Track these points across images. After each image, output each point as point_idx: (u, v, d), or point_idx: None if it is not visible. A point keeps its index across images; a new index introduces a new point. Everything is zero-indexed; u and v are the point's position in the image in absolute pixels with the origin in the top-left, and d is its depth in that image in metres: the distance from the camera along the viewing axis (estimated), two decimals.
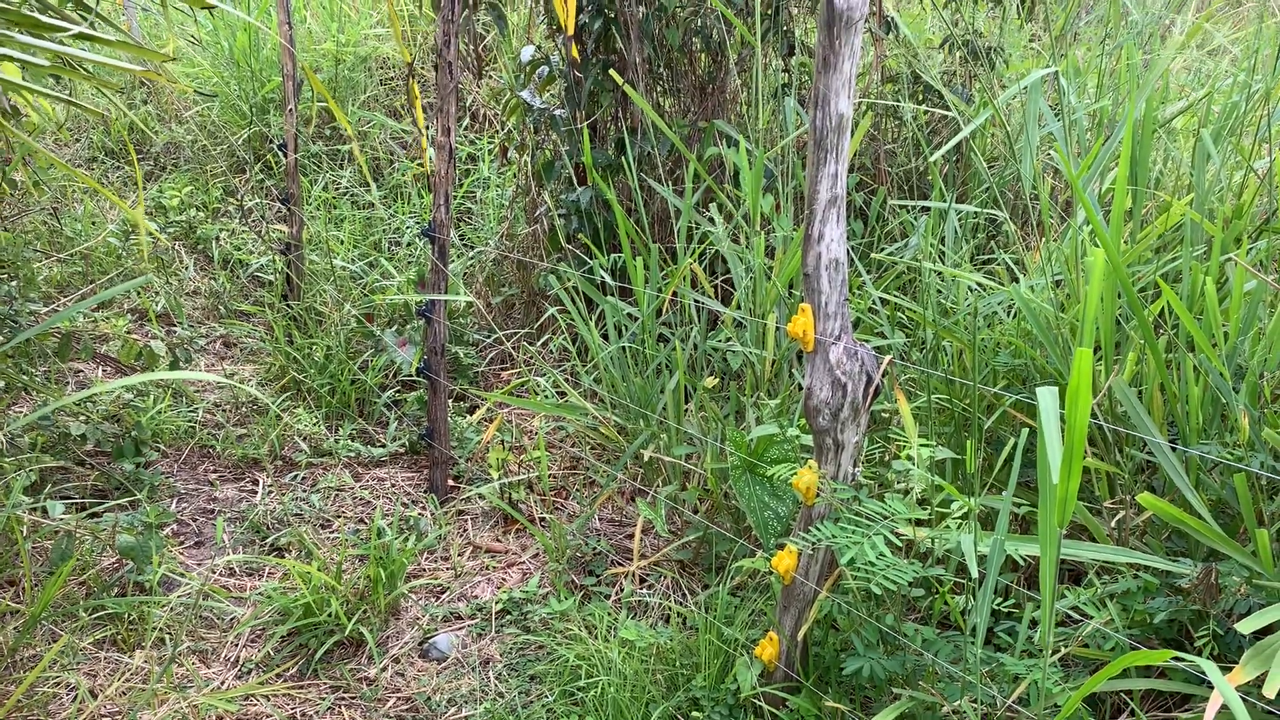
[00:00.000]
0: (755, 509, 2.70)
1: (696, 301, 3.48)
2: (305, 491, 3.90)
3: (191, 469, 4.10)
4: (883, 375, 2.10)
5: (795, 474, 2.25)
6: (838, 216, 2.09)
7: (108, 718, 2.67)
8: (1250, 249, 2.74)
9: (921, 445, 1.98)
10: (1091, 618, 2.02)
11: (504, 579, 3.36)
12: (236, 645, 3.07)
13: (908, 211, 3.73)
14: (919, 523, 2.01)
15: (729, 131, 3.94)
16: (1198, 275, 2.33)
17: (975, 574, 1.57)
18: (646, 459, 3.30)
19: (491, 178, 5.64)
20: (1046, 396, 1.45)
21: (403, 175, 5.96)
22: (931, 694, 2.03)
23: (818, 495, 2.20)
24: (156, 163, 6.82)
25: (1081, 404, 1.24)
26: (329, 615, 3.02)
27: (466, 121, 6.45)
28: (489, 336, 4.73)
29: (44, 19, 2.12)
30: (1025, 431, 1.77)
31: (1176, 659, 1.35)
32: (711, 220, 3.57)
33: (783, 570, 2.31)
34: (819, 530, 2.10)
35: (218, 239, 5.86)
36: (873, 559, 1.81)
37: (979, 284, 2.81)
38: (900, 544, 1.97)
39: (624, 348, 3.50)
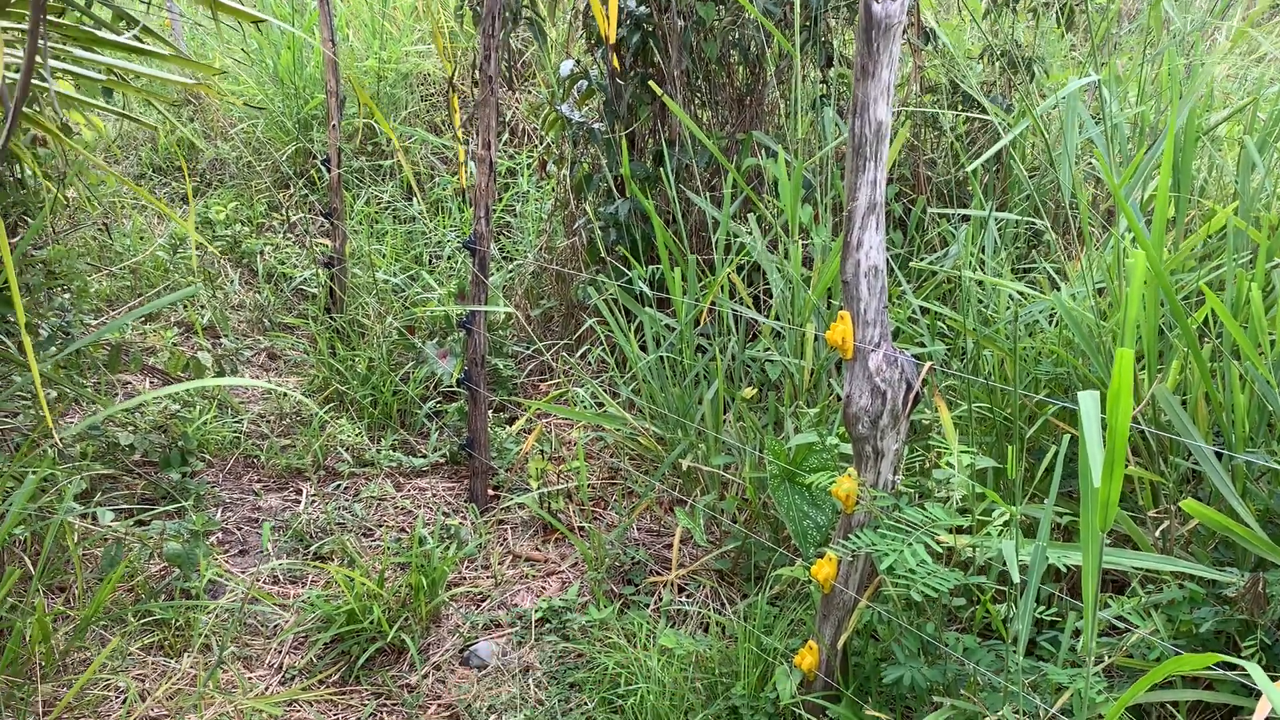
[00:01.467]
0: (794, 518, 2.70)
1: (734, 311, 3.49)
2: (348, 501, 3.95)
3: (236, 479, 4.17)
4: (922, 382, 2.10)
5: (834, 482, 2.25)
6: (877, 223, 2.09)
7: None
8: None
9: (962, 452, 1.97)
10: (1137, 627, 2.00)
11: (544, 587, 3.38)
12: (280, 651, 3.11)
13: (948, 221, 3.72)
14: (959, 530, 2.00)
15: (767, 143, 3.95)
16: (1243, 282, 2.30)
17: (1016, 581, 1.56)
18: (685, 469, 3.31)
19: (530, 191, 5.69)
20: (1088, 400, 1.45)
21: (443, 190, 6.03)
22: (974, 702, 2.02)
23: (857, 503, 2.20)
24: (203, 179, 6.96)
25: (1123, 406, 1.23)
26: (371, 622, 3.05)
27: (506, 136, 6.51)
28: (528, 348, 4.76)
29: (99, 34, 2.18)
30: (1067, 439, 1.76)
31: (1223, 665, 1.33)
32: (749, 231, 3.58)
33: (822, 578, 2.31)
34: (858, 538, 2.09)
35: (262, 253, 5.96)
36: (913, 565, 1.80)
37: (1020, 293, 2.80)
38: (941, 551, 1.96)
39: (662, 358, 3.51)
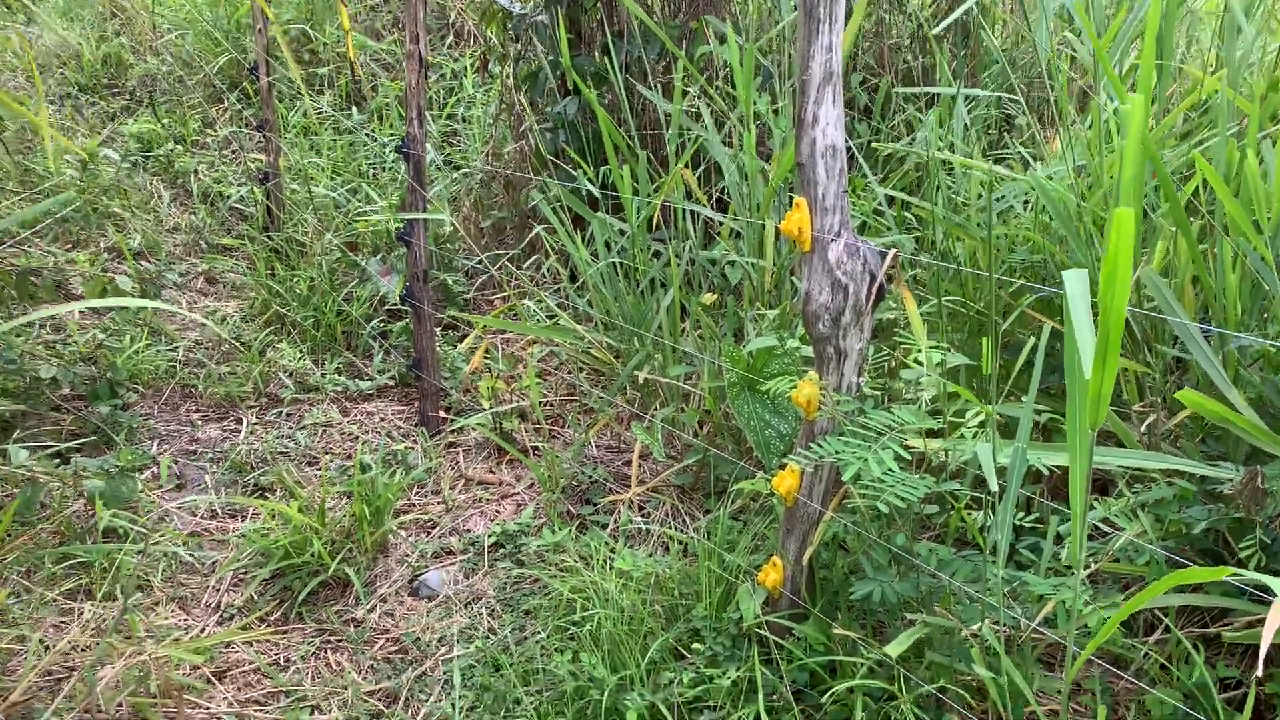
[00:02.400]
0: (755, 428, 2.52)
1: (689, 211, 3.26)
2: (291, 429, 3.74)
3: (173, 410, 3.94)
4: (888, 274, 1.90)
5: (794, 387, 2.06)
6: (834, 96, 1.87)
7: (65, 672, 2.53)
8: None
9: (932, 348, 1.78)
10: (1123, 530, 1.84)
11: (497, 511, 3.21)
12: (218, 590, 2.93)
13: (914, 104, 3.49)
14: (931, 434, 1.82)
15: (719, 26, 3.67)
16: (1233, 153, 2.10)
17: (995, 487, 1.39)
18: (642, 381, 3.11)
19: (477, 96, 5.38)
20: (1074, 280, 1.25)
21: (385, 97, 5.70)
22: (949, 617, 1.86)
23: (819, 409, 2.01)
24: (133, 97, 6.57)
25: (1121, 278, 1.03)
26: (312, 555, 2.87)
27: (450, 39, 6.17)
28: (478, 261, 4.52)
29: None
30: (1047, 329, 1.57)
31: (1234, 576, 1.16)
32: (704, 126, 3.34)
33: (784, 491, 2.13)
34: (821, 446, 1.91)
35: (196, 172, 5.63)
36: (880, 474, 1.62)
37: (992, 173, 2.58)
38: (910, 458, 1.78)
39: (615, 265, 3.29)
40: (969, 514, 1.90)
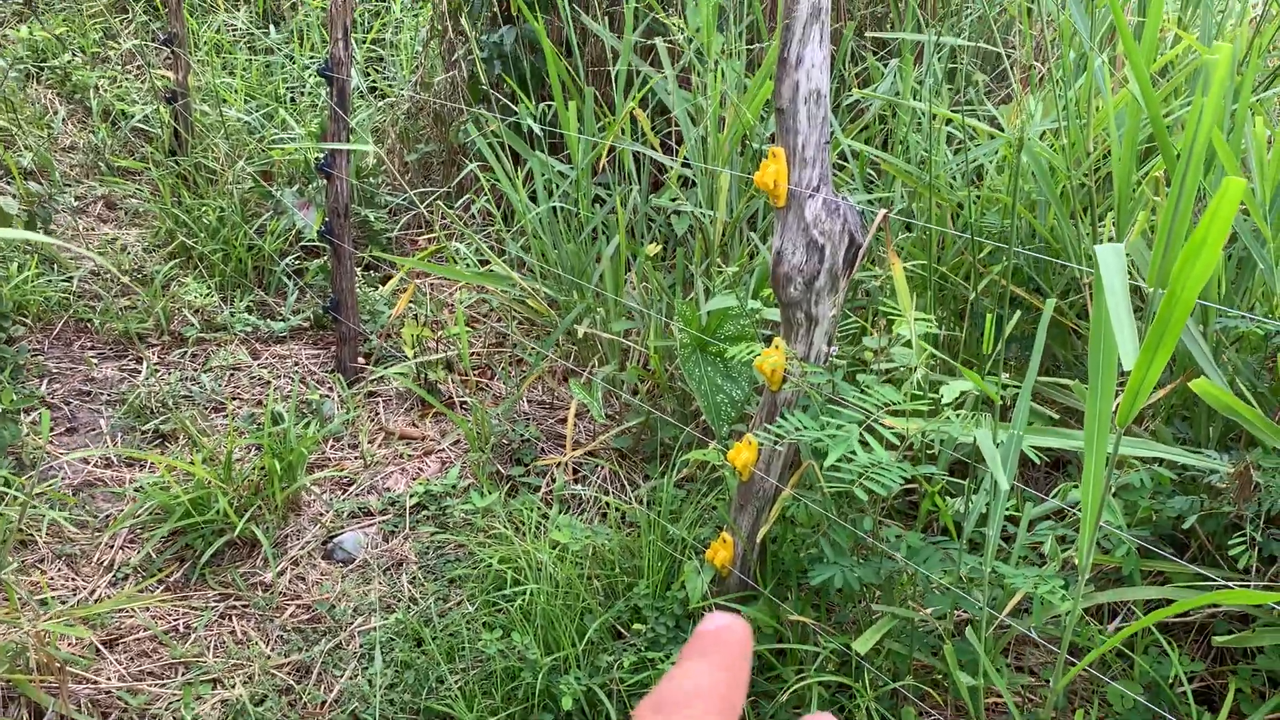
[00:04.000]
0: (706, 392, 2.35)
1: (637, 155, 3.05)
2: (195, 371, 3.47)
3: (66, 346, 3.62)
4: (871, 233, 1.73)
5: (757, 354, 1.89)
6: (820, 35, 1.68)
7: None
8: (1255, 100, 2.39)
9: (919, 320, 1.62)
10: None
11: (420, 469, 3.00)
12: (112, 547, 2.68)
13: (874, 56, 3.31)
14: (911, 413, 1.67)
15: None
16: (1243, 115, 1.97)
17: (1006, 486, 1.24)
18: (581, 335, 2.92)
19: (405, 20, 5.05)
20: (1109, 256, 1.09)
21: (306, 16, 5.33)
22: (917, 609, 1.73)
23: (785, 379, 1.85)
24: (27, 2, 6.04)
25: (1207, 255, 0.87)
26: (217, 512, 2.63)
27: None
28: (403, 198, 4.24)
29: None
30: (1051, 304, 1.42)
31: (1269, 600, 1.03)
32: (656, 62, 3.12)
33: (740, 465, 1.98)
34: (788, 421, 1.75)
35: (97, 88, 5.20)
36: (866, 461, 1.46)
37: (977, 130, 2.43)
38: (889, 439, 1.63)
39: (555, 209, 3.07)
40: (942, 500, 1.76)
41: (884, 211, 1.61)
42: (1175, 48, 2.62)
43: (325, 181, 3.27)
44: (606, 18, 3.74)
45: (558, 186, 3.12)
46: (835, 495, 1.95)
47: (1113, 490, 1.93)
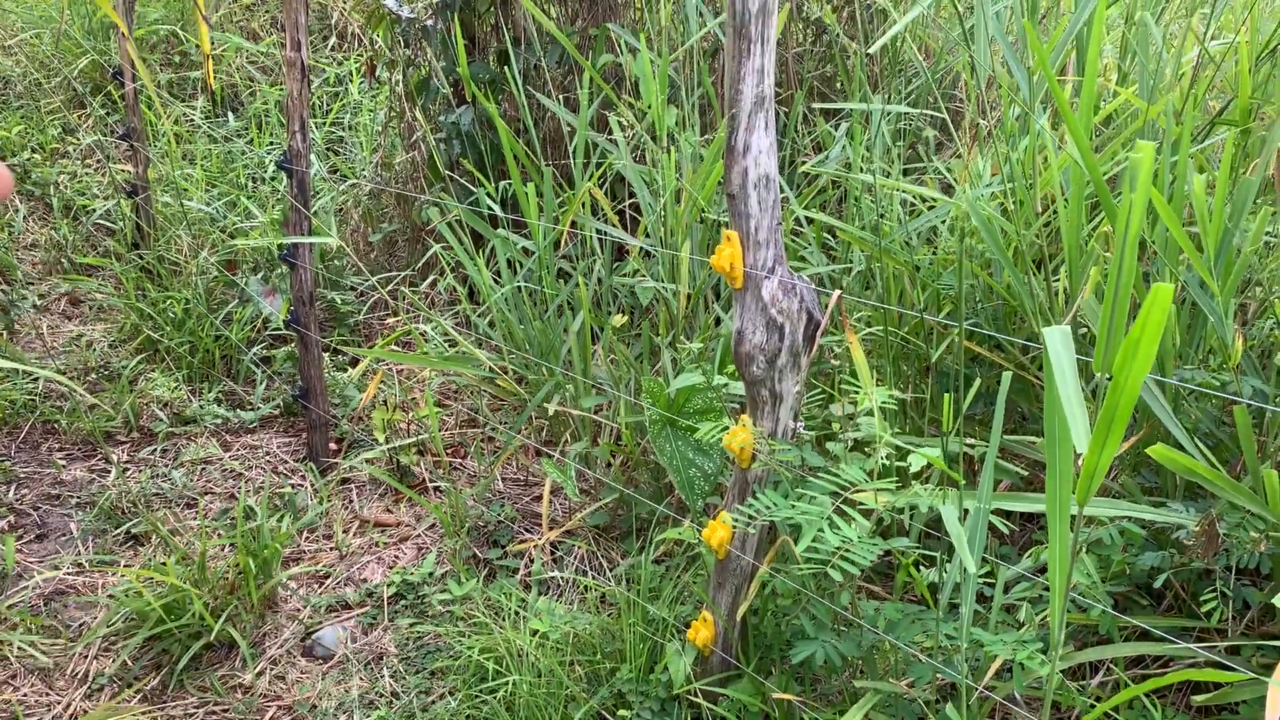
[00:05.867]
0: (678, 467, 2.36)
1: (599, 231, 3.08)
2: (166, 467, 3.44)
3: (33, 449, 3.59)
4: (829, 313, 1.75)
5: (726, 431, 1.90)
6: (765, 123, 1.71)
7: None
8: (1194, 150, 2.46)
9: (881, 398, 1.64)
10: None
11: (396, 556, 2.97)
12: (86, 657, 2.63)
13: (826, 121, 3.37)
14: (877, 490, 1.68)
15: (624, 35, 3.50)
16: (1183, 171, 2.02)
17: (973, 568, 1.25)
18: (552, 412, 2.92)
19: (364, 102, 5.10)
20: (1056, 339, 1.12)
21: (264, 103, 5.37)
22: (897, 685, 1.73)
23: (754, 458, 1.86)
24: None
25: (1144, 352, 0.88)
26: (193, 615, 2.59)
27: (333, 41, 5.85)
28: (365, 284, 4.25)
29: None
30: (1008, 376, 1.44)
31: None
32: (612, 139, 3.16)
33: (715, 543, 1.98)
34: (759, 500, 1.76)
35: (57, 184, 5.20)
36: (836, 544, 1.47)
37: (926, 196, 2.47)
38: (858, 516, 1.64)
39: (519, 287, 3.09)
40: (916, 572, 1.77)
41: (837, 293, 1.64)
42: (1115, 101, 2.68)
43: (289, 270, 3.27)
44: (561, 95, 3.80)
45: (521, 264, 3.14)
46: (812, 571, 1.95)
47: (1084, 548, 1.94)
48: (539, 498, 3.07)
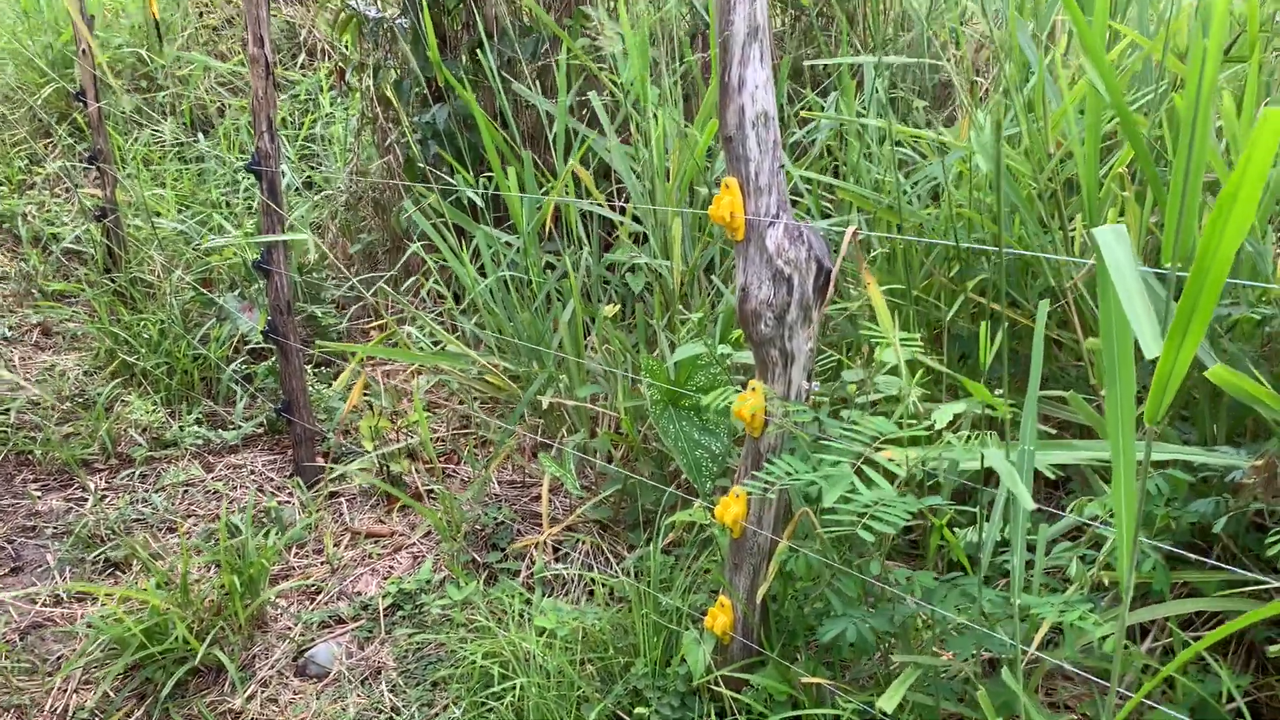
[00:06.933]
0: (684, 449, 2.21)
1: (585, 215, 2.95)
2: (146, 492, 3.28)
3: (7, 481, 3.43)
4: (841, 257, 1.62)
5: (734, 401, 1.77)
6: (761, 54, 1.59)
7: None
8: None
9: (903, 341, 1.50)
10: (1104, 524, 1.59)
11: (391, 567, 2.82)
12: (65, 691, 2.47)
13: (808, 86, 3.26)
14: (908, 441, 1.54)
15: (599, 16, 3.38)
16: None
17: (1029, 506, 1.12)
18: (546, 406, 2.78)
19: (335, 113, 4.98)
20: (1110, 237, 0.99)
21: (234, 121, 5.24)
22: (939, 653, 1.59)
23: (767, 423, 1.72)
24: None
25: (1245, 197, 0.75)
26: (176, 639, 2.44)
27: (302, 58, 5.74)
28: (348, 288, 4.11)
29: None
30: (1045, 304, 1.31)
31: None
32: (593, 122, 3.03)
33: (730, 521, 1.83)
34: (775, 466, 1.62)
35: (25, 215, 5.06)
36: (868, 497, 1.33)
37: (934, 140, 2.34)
38: (891, 471, 1.50)
39: (505, 281, 2.96)
40: (950, 534, 1.63)
41: (852, 228, 1.50)
42: (1116, 47, 2.57)
43: (265, 280, 3.13)
44: (538, 84, 3.68)
45: (505, 257, 3.01)
46: (835, 541, 1.81)
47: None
48: (537, 498, 2.92)
